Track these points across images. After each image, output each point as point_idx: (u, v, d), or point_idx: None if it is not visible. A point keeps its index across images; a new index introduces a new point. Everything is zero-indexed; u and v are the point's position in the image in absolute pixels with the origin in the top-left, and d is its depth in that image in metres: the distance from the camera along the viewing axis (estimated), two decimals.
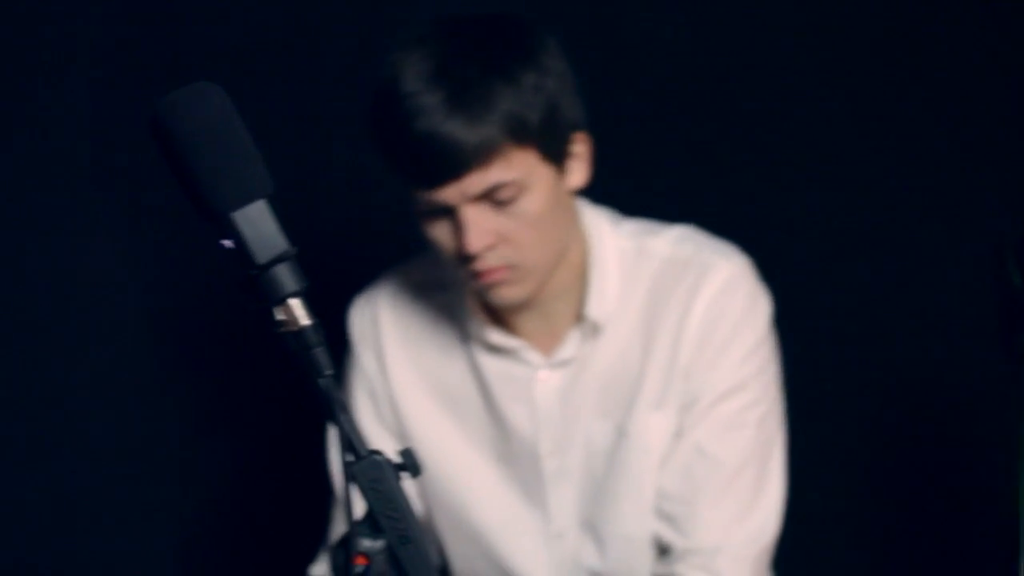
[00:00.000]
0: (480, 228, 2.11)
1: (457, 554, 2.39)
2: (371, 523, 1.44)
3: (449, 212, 2.13)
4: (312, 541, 2.44)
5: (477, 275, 2.16)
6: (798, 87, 2.88)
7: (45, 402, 2.78)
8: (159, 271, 2.85)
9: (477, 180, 2.08)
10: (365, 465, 1.44)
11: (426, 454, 2.33)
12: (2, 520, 2.77)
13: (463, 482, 2.34)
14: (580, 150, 2.20)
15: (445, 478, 2.35)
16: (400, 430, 2.37)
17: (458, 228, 2.13)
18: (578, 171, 2.20)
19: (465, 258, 2.14)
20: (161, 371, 2.87)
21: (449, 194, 2.10)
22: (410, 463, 1.46)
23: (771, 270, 2.32)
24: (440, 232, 2.16)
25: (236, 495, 2.91)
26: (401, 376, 2.35)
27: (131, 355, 2.84)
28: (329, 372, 1.43)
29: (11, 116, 2.73)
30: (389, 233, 2.55)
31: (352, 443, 1.43)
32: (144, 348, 2.85)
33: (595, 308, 2.27)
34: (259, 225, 1.41)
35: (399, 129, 2.08)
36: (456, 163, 2.07)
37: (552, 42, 2.15)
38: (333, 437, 2.31)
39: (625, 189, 2.38)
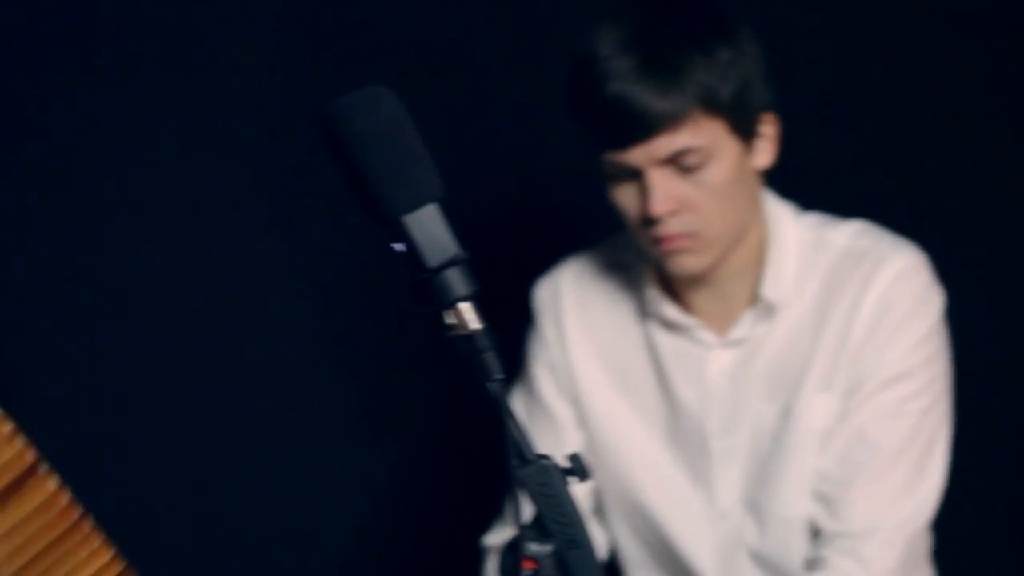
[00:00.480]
0: (665, 192, 2.16)
1: (623, 531, 2.41)
2: (539, 527, 1.44)
3: (635, 176, 2.17)
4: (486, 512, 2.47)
5: (658, 241, 2.19)
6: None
7: (209, 402, 2.82)
8: (324, 273, 2.88)
9: (665, 143, 2.13)
10: (533, 470, 1.43)
11: (598, 428, 2.38)
12: (165, 518, 2.81)
13: (633, 457, 2.37)
14: (768, 131, 2.24)
15: (615, 452, 2.38)
16: (576, 402, 2.40)
17: (643, 192, 2.17)
18: (765, 151, 2.24)
19: (648, 222, 2.18)
20: (325, 371, 2.90)
21: (637, 156, 2.15)
22: (578, 468, 1.45)
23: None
24: (625, 197, 2.20)
25: (415, 482, 2.93)
26: (579, 350, 2.39)
27: (296, 356, 2.87)
28: (499, 377, 1.42)
29: (183, 118, 2.76)
30: (559, 238, 2.56)
31: (520, 448, 1.43)
32: (310, 349, 2.88)
33: (771, 289, 2.29)
34: (430, 229, 1.41)
35: (591, 91, 2.14)
36: (645, 125, 2.12)
37: (748, 27, 2.20)
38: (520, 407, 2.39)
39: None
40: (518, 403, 2.42)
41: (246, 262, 2.82)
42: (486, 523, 2.47)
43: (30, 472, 1.53)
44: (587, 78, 2.15)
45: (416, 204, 1.41)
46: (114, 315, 2.77)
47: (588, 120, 2.18)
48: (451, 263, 1.42)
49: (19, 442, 1.53)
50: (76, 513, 1.52)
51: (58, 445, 1.64)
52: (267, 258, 2.84)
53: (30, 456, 1.53)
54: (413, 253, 1.42)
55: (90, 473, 2.61)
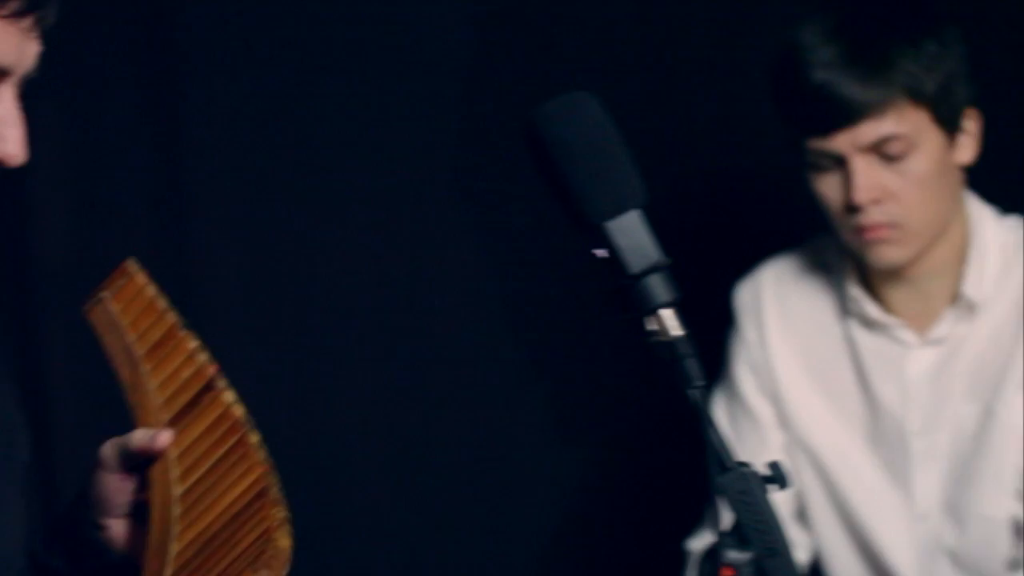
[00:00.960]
0: (868, 180, 2.17)
1: (827, 533, 2.40)
2: (738, 535, 1.43)
3: (839, 165, 2.19)
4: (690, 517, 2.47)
5: (860, 231, 2.20)
6: None
7: (404, 406, 2.84)
8: (523, 277, 2.88)
9: (869, 130, 2.16)
10: (733, 477, 1.43)
11: (799, 427, 2.38)
12: (358, 521, 2.84)
13: (834, 457, 2.36)
14: (971, 127, 2.25)
15: (817, 452, 2.37)
16: (777, 401, 2.40)
17: (846, 180, 2.19)
18: (967, 147, 2.25)
19: (850, 211, 2.19)
20: (524, 374, 2.90)
21: (840, 143, 2.17)
22: (778, 475, 1.44)
23: None
24: (828, 186, 2.22)
25: (608, 488, 2.93)
26: (780, 349, 2.39)
27: (493, 359, 2.88)
28: (700, 383, 1.42)
29: (380, 119, 2.79)
30: (758, 242, 2.55)
31: (720, 455, 1.43)
32: (508, 352, 2.88)
33: (973, 287, 2.28)
34: (633, 235, 1.41)
35: (797, 79, 2.19)
36: (850, 111, 2.16)
37: (955, 26, 2.23)
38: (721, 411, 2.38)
39: None
40: (720, 403, 2.42)
41: (444, 265, 2.84)
42: (687, 527, 2.46)
43: (208, 387, 1.55)
44: (793, 65, 2.19)
45: (619, 210, 1.41)
46: (315, 313, 2.81)
47: (793, 107, 2.22)
48: (653, 269, 1.41)
49: (202, 358, 1.57)
50: (244, 428, 1.53)
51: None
52: (466, 262, 2.85)
53: (211, 370, 1.56)
54: (615, 259, 1.41)
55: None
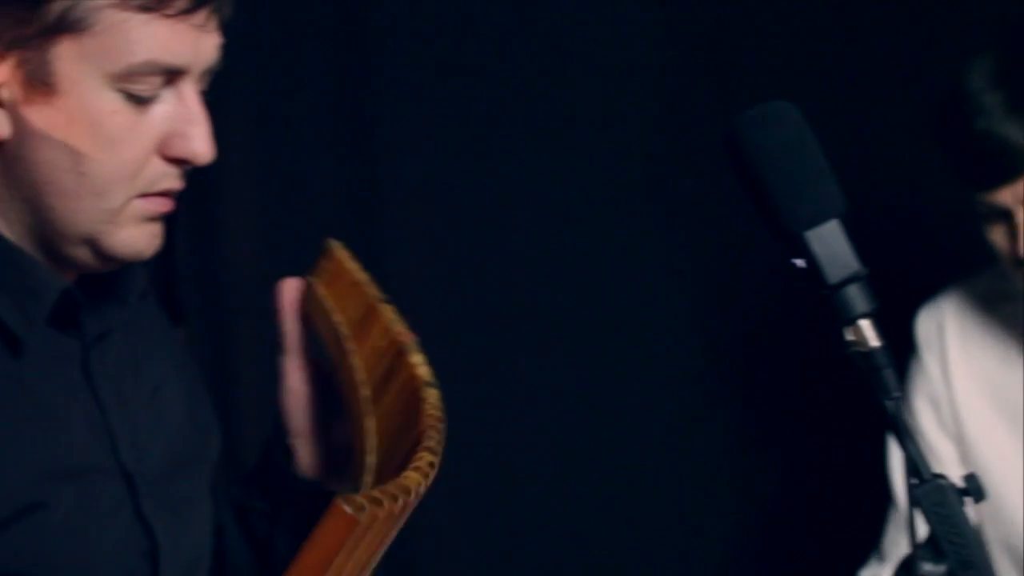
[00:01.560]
0: None
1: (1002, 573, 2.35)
2: (933, 547, 1.43)
3: (1005, 217, 2.11)
4: (865, 545, 2.44)
5: None
6: None
7: (589, 406, 2.86)
8: (714, 282, 2.89)
9: None
10: (929, 489, 1.42)
11: (983, 468, 2.30)
12: (540, 518, 2.86)
13: (1019, 498, 2.30)
14: None
15: (1000, 491, 2.31)
16: (959, 437, 2.35)
17: (1012, 233, 2.11)
18: None
19: (1020, 263, 2.12)
20: (710, 380, 2.91)
21: (1004, 196, 2.10)
22: (974, 488, 1.43)
23: None
24: (996, 236, 2.15)
25: (789, 495, 2.92)
26: (963, 384, 2.34)
27: (682, 363, 2.89)
28: (897, 394, 1.41)
29: (575, 121, 2.81)
30: (951, 250, 2.52)
31: (917, 466, 1.42)
32: (696, 356, 2.90)
33: None
34: (832, 245, 1.41)
35: (959, 127, 2.10)
36: (1010, 164, 2.07)
37: None
38: (895, 448, 2.31)
39: None
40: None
41: (638, 268, 2.85)
42: (860, 554, 2.45)
43: (400, 352, 1.59)
44: (955, 113, 2.11)
45: (819, 220, 1.41)
46: (506, 315, 2.85)
47: (956, 158, 2.13)
48: (852, 279, 1.41)
49: (397, 327, 1.61)
50: (424, 386, 1.56)
51: None
52: (659, 266, 2.87)
53: (405, 337, 1.60)
54: (814, 269, 1.42)
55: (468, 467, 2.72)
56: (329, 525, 1.37)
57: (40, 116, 1.49)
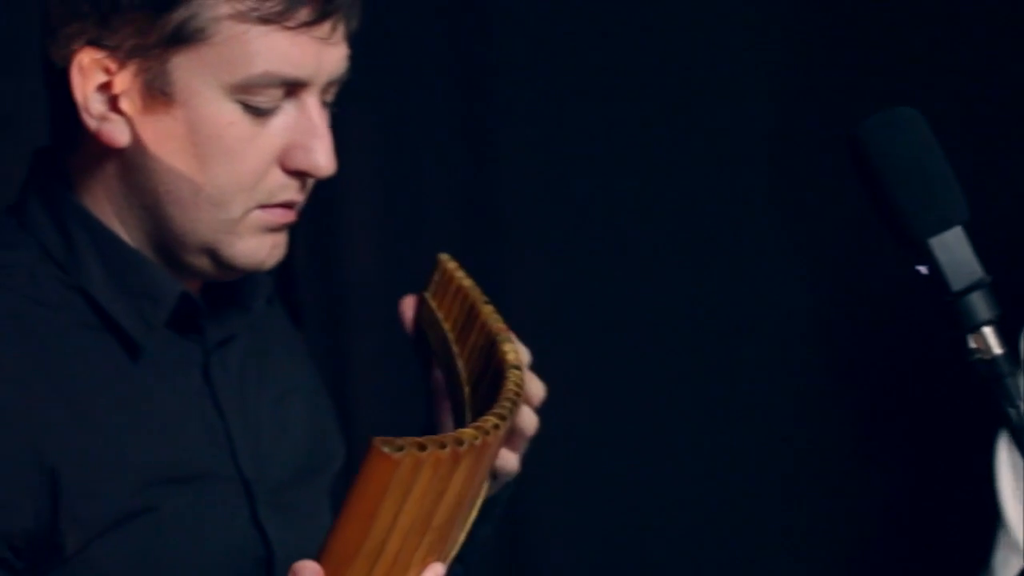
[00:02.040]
0: None
1: None
2: None
3: None
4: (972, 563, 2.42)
5: None
6: None
7: (709, 411, 2.86)
8: (836, 287, 2.88)
9: None
10: None
11: None
12: (656, 520, 2.86)
13: None
14: None
15: None
16: None
17: None
18: None
19: None
20: (831, 386, 2.89)
21: None
22: None
23: None
24: None
25: (898, 507, 2.90)
26: None
27: (803, 368, 2.88)
28: (1020, 402, 1.39)
29: (697, 124, 2.81)
30: None
31: None
32: (817, 362, 2.88)
33: None
34: (955, 251, 1.39)
35: None
36: None
37: None
38: (1004, 460, 2.28)
39: None
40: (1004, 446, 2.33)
41: (759, 273, 2.85)
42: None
43: (494, 343, 1.59)
44: None
45: (943, 226, 1.39)
46: (626, 319, 2.84)
47: None
48: (975, 286, 1.39)
49: (497, 322, 1.61)
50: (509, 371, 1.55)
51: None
52: (780, 271, 2.85)
53: (498, 329, 1.60)
54: (937, 276, 1.40)
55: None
56: (369, 467, 1.35)
57: (158, 126, 1.50)
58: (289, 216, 1.57)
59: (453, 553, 1.51)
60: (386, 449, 1.34)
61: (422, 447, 1.37)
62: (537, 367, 1.63)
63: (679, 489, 2.84)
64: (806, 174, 2.80)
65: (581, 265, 2.83)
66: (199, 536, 1.54)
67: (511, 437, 1.59)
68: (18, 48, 1.68)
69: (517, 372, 1.54)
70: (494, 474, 1.61)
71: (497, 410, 1.48)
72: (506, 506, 1.72)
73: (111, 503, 1.50)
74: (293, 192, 1.56)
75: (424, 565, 1.45)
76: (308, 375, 1.78)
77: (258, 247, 1.56)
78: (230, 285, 1.64)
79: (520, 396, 1.52)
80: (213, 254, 1.55)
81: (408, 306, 1.72)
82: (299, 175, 1.55)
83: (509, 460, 1.63)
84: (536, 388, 1.63)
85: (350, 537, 1.38)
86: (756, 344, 2.85)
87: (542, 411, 1.65)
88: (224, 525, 1.57)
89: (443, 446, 1.39)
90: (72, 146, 1.56)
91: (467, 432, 1.43)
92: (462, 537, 1.52)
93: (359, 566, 1.39)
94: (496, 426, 1.45)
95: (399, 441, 1.35)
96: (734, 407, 2.84)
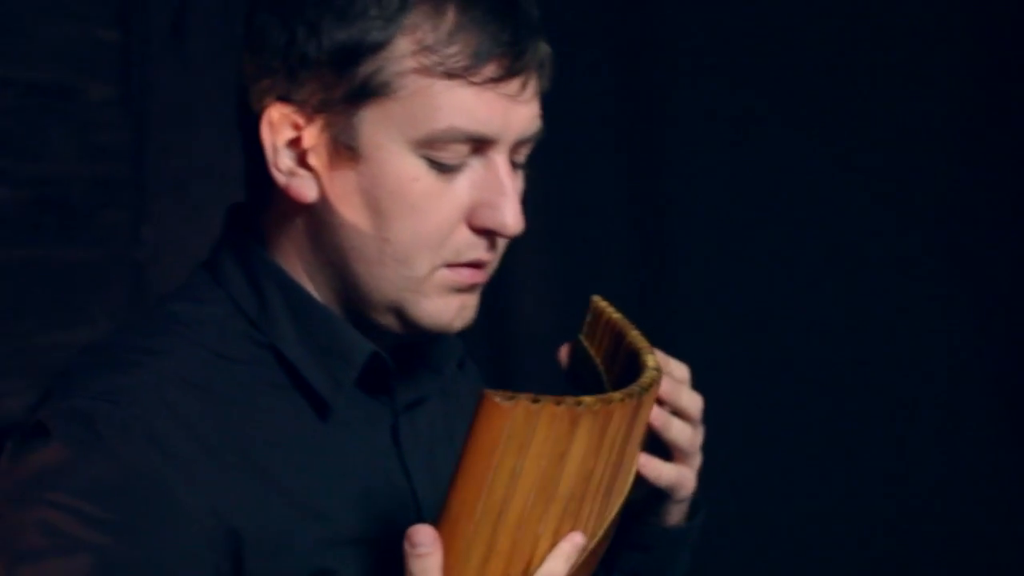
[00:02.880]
0: None
1: None
2: None
3: None
4: None
5: None
6: None
7: (863, 409, 2.86)
8: (1001, 293, 2.80)
9: None
10: None
11: None
12: (803, 521, 2.88)
13: None
14: None
15: None
16: None
17: None
18: None
19: None
20: (981, 380, 2.86)
21: None
22: None
23: None
24: None
25: None
26: None
27: (957, 363, 2.86)
28: None
29: (866, 139, 2.80)
30: None
31: None
32: (969, 356, 2.85)
33: None
34: None
35: None
36: None
37: None
38: None
39: None
40: None
41: (925, 281, 2.84)
42: None
43: (635, 354, 1.56)
44: None
45: None
46: (791, 328, 2.88)
47: None
48: None
49: (640, 341, 1.57)
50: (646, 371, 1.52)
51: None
52: (948, 280, 2.84)
53: (638, 345, 1.57)
54: None
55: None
56: (482, 418, 1.31)
57: (344, 181, 1.49)
58: (478, 276, 1.54)
59: (592, 544, 1.45)
60: (498, 399, 1.30)
61: (535, 399, 1.32)
62: (705, 377, 1.63)
63: (837, 491, 2.88)
64: (974, 181, 2.75)
65: (753, 320, 2.85)
66: None
67: (678, 455, 1.59)
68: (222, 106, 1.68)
69: (655, 372, 1.49)
70: (670, 491, 1.61)
71: (624, 390, 1.43)
72: (699, 534, 1.72)
73: (294, 565, 1.48)
74: (481, 251, 1.53)
75: (557, 537, 1.39)
76: None
77: (445, 307, 1.53)
78: (421, 348, 1.61)
79: (653, 386, 1.48)
80: (399, 312, 1.53)
81: (564, 352, 1.68)
82: (486, 234, 1.52)
83: (680, 475, 1.61)
84: (694, 401, 1.60)
85: (467, 497, 1.33)
86: (920, 353, 2.86)
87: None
88: None
89: (558, 403, 1.34)
90: (264, 203, 1.56)
91: (587, 398, 1.37)
92: (602, 531, 1.47)
93: (481, 530, 1.34)
94: (621, 400, 1.41)
95: (510, 392, 1.32)
96: (886, 404, 2.86)
